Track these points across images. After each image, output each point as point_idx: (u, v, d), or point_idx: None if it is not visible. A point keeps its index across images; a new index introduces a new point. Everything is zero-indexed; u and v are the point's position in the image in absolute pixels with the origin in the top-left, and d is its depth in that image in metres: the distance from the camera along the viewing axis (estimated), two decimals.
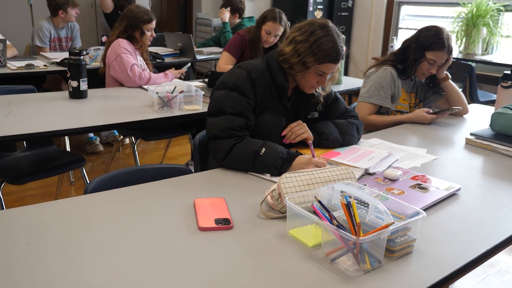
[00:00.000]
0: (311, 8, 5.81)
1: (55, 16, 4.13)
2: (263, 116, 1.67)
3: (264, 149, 1.53)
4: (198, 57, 4.20)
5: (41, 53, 4.03)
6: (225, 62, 3.37)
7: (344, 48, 1.63)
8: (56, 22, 4.16)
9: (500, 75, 2.29)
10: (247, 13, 5.86)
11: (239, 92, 1.62)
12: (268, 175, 1.52)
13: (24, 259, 1.00)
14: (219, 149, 1.57)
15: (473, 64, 4.16)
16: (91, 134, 3.88)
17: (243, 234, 1.15)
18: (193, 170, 1.67)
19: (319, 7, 5.88)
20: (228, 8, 4.51)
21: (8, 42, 3.55)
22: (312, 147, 1.58)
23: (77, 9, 4.18)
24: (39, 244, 1.07)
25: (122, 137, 3.31)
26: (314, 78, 1.64)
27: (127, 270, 0.98)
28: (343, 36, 1.65)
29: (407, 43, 2.29)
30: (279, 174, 1.50)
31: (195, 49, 4.20)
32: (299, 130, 1.71)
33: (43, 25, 4.09)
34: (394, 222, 1.00)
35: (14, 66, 3.38)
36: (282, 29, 3.24)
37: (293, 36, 1.62)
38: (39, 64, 3.49)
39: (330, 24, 1.61)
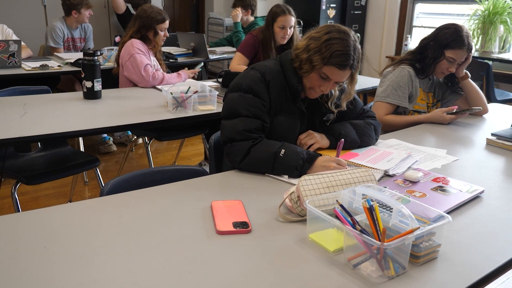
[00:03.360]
0: (324, 7, 5.76)
1: (68, 16, 4.15)
2: (277, 118, 1.64)
3: (283, 150, 1.50)
4: (211, 56, 4.19)
5: (55, 53, 4.05)
6: (238, 63, 3.35)
7: (357, 61, 1.55)
8: (70, 22, 4.18)
9: None
10: (259, 13, 5.83)
11: (253, 94, 1.59)
12: (286, 177, 1.49)
13: (41, 263, 0.99)
14: (236, 152, 1.54)
15: (490, 63, 4.08)
16: (105, 134, 3.89)
17: (261, 238, 1.13)
18: (207, 171, 1.65)
19: (332, 5, 5.83)
20: (240, 8, 4.48)
21: (22, 43, 3.57)
22: (340, 146, 1.54)
23: (91, 10, 4.20)
24: (56, 247, 1.05)
25: (135, 137, 3.31)
26: (316, 80, 1.58)
27: (145, 275, 0.96)
28: (359, 48, 1.56)
29: (425, 42, 2.24)
30: (299, 176, 1.47)
31: (208, 49, 4.19)
32: (309, 140, 1.68)
33: (56, 25, 4.12)
34: (419, 227, 0.97)
35: (29, 66, 3.39)
36: (294, 19, 3.23)
37: (310, 32, 1.60)
38: (53, 65, 3.50)
39: (352, 33, 1.55)
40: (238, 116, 1.57)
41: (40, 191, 3.14)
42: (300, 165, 1.48)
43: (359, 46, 1.58)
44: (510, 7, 4.66)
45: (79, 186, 3.22)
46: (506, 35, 4.79)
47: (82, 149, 3.21)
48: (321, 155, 1.55)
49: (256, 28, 3.66)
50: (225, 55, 4.36)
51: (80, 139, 3.22)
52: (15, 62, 3.39)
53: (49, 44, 4.12)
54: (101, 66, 2.60)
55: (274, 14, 3.21)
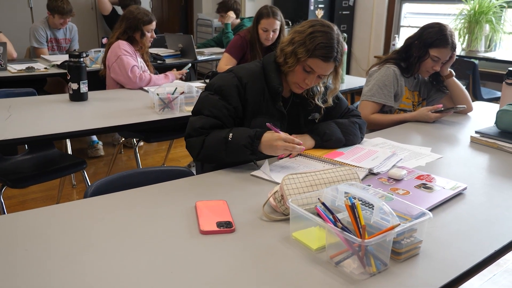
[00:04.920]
0: (312, 7, 5.78)
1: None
2: (256, 120, 1.65)
3: (231, 134, 1.53)
4: (199, 57, 4.19)
5: (41, 56, 4.02)
6: (226, 63, 3.35)
7: (340, 54, 1.59)
8: (51, 23, 4.15)
9: (504, 72, 2.26)
10: (248, 13, 5.84)
11: (221, 96, 1.61)
12: (271, 175, 1.49)
13: (23, 266, 0.98)
14: (193, 146, 1.60)
15: (476, 61, 4.12)
16: (94, 138, 3.85)
17: (245, 237, 1.13)
18: (194, 172, 1.65)
19: (320, 6, 5.85)
20: (231, 11, 4.51)
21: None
22: (271, 126, 1.54)
23: (66, 20, 4.14)
24: (38, 249, 1.05)
25: (123, 139, 3.29)
26: (301, 74, 1.60)
27: (128, 275, 0.96)
28: (344, 42, 1.60)
29: (410, 41, 2.26)
30: (252, 154, 1.51)
31: (196, 50, 4.19)
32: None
33: (39, 26, 4.11)
34: (400, 224, 0.98)
35: (15, 69, 3.37)
36: (278, 23, 3.22)
37: (294, 27, 1.62)
38: (39, 67, 3.48)
39: (335, 27, 1.59)
40: (200, 114, 1.62)
41: (27, 194, 3.12)
42: (250, 143, 1.51)
43: (343, 40, 1.61)
44: (495, 7, 4.71)
45: (67, 189, 3.20)
46: (491, 34, 4.84)
47: (69, 152, 3.19)
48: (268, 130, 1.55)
49: (244, 29, 3.66)
50: (213, 56, 4.36)
51: (68, 142, 3.20)
52: (1, 64, 3.36)
53: (32, 45, 4.11)
54: (88, 68, 2.60)
55: (259, 15, 3.21)
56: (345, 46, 1.71)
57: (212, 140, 1.56)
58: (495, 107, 2.40)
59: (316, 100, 1.73)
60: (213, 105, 1.61)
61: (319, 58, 1.54)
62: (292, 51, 1.57)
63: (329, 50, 1.54)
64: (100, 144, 3.87)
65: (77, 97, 2.50)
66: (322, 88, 1.74)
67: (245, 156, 1.53)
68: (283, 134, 1.53)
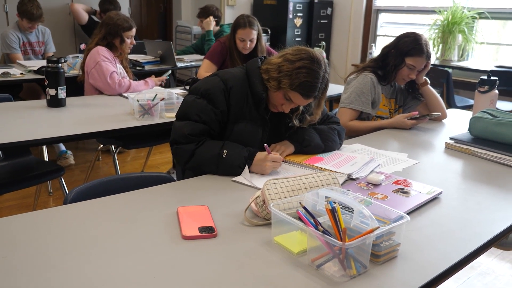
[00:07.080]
0: (290, 16, 5.85)
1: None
2: (238, 125, 1.67)
3: (226, 151, 1.57)
4: (179, 64, 4.18)
5: (17, 61, 3.95)
6: (206, 70, 3.35)
7: (322, 91, 1.63)
8: (22, 26, 4.09)
9: (476, 81, 2.33)
10: (227, 20, 5.87)
11: (208, 100, 1.62)
12: (252, 181, 1.51)
13: (2, 273, 0.97)
14: (181, 154, 1.61)
15: (450, 70, 4.24)
16: (62, 148, 3.73)
17: (227, 242, 1.14)
18: (175, 178, 1.65)
19: (298, 14, 5.93)
20: (211, 17, 4.54)
21: None
22: (267, 148, 1.59)
23: (35, 25, 4.08)
24: (16, 257, 1.03)
25: (101, 145, 3.25)
26: (280, 99, 1.63)
27: (110, 281, 0.96)
28: (327, 78, 1.63)
29: (386, 50, 2.32)
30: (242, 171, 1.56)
31: (176, 57, 4.18)
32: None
33: (9, 32, 4.04)
34: (379, 227, 1.00)
35: None
36: (254, 33, 3.21)
37: (286, 52, 1.61)
38: (15, 72, 3.42)
39: (323, 63, 1.59)
40: (187, 119, 1.63)
41: (1, 202, 3.05)
42: (243, 163, 1.57)
43: (328, 76, 1.63)
44: (468, 18, 4.87)
45: (43, 196, 3.14)
46: (464, 44, 4.99)
47: (46, 159, 3.13)
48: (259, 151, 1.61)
49: (224, 35, 3.68)
50: (193, 63, 4.36)
51: (44, 149, 3.14)
52: None
53: (4, 52, 4.03)
54: (66, 74, 2.56)
55: (236, 25, 3.22)
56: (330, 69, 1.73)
57: (205, 154, 1.58)
58: (468, 114, 2.48)
59: (293, 118, 1.75)
60: (200, 110, 1.61)
61: (300, 94, 1.57)
62: (276, 78, 1.58)
63: (311, 89, 1.56)
64: (69, 153, 3.75)
65: (55, 103, 2.47)
66: (302, 107, 1.75)
67: (236, 173, 1.56)
68: (271, 155, 1.58)
